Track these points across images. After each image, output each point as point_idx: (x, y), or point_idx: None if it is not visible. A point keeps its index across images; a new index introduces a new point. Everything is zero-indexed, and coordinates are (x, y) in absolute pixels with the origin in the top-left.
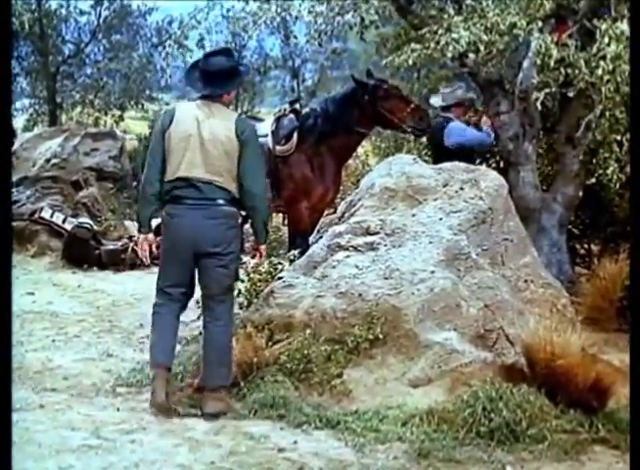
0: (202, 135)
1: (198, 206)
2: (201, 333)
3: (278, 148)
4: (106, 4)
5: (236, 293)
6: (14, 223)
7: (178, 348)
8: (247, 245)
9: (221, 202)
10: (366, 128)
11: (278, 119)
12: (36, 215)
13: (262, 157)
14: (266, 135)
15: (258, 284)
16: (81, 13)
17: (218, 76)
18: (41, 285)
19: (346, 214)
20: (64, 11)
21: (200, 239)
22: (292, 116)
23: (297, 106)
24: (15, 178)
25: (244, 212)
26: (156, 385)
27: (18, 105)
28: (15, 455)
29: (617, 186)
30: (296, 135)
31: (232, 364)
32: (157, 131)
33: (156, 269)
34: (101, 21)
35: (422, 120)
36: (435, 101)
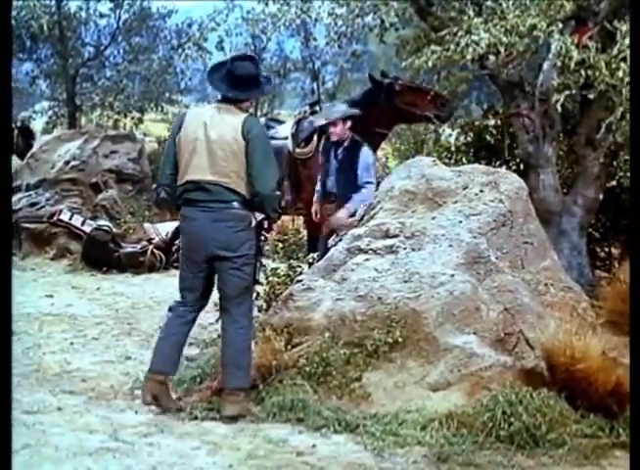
0: (209, 138)
1: (208, 208)
2: (219, 336)
3: (298, 150)
4: (125, 7)
5: (255, 296)
6: (33, 225)
7: (197, 350)
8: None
9: (232, 204)
10: (385, 128)
11: (298, 122)
12: (55, 218)
13: (272, 156)
14: (286, 138)
15: (277, 287)
16: (101, 15)
17: (244, 81)
18: (60, 287)
19: (366, 217)
20: (83, 14)
21: (209, 241)
22: (312, 118)
23: (318, 108)
24: (34, 180)
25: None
26: (144, 387)
27: (37, 107)
28: (31, 458)
29: None
30: (315, 138)
31: (250, 367)
32: (169, 137)
33: (174, 272)
34: (120, 23)
35: (444, 106)
36: (318, 119)
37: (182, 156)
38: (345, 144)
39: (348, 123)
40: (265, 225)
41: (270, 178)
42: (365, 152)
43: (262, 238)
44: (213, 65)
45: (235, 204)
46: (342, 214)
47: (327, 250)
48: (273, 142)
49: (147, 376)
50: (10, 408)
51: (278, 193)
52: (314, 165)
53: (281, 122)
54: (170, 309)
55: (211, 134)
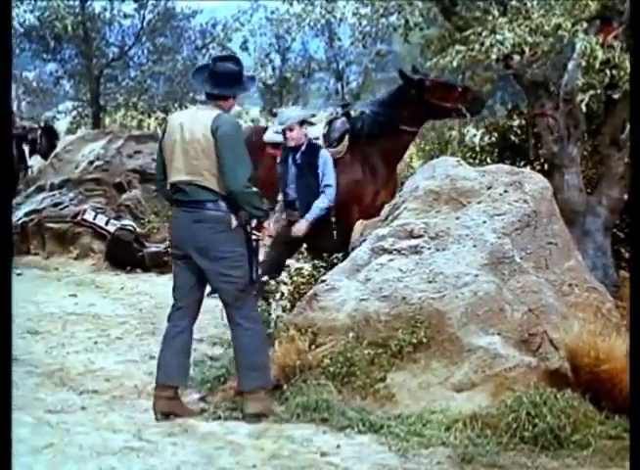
0: (184, 139)
1: (188, 209)
2: None
3: (330, 150)
4: (150, 7)
5: (279, 296)
6: (56, 225)
7: (220, 350)
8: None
9: (207, 204)
10: (415, 126)
11: (330, 123)
12: (79, 218)
13: (242, 152)
14: (318, 138)
15: (301, 287)
16: (125, 16)
17: (225, 79)
18: (84, 287)
19: (390, 217)
20: (107, 14)
21: (188, 241)
22: (343, 118)
23: (349, 109)
24: (57, 180)
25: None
26: (154, 404)
27: (61, 107)
28: (55, 457)
29: None
30: (347, 138)
31: (267, 366)
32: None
33: None
34: (145, 23)
35: (475, 100)
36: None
37: (166, 159)
38: (303, 149)
39: (305, 127)
40: (255, 224)
41: (241, 174)
42: (324, 154)
43: (254, 238)
44: (198, 66)
45: (210, 204)
46: (302, 225)
47: (278, 264)
48: None
49: (155, 393)
50: (10, 408)
51: (254, 189)
52: (346, 166)
53: (312, 124)
54: (168, 319)
55: (186, 135)
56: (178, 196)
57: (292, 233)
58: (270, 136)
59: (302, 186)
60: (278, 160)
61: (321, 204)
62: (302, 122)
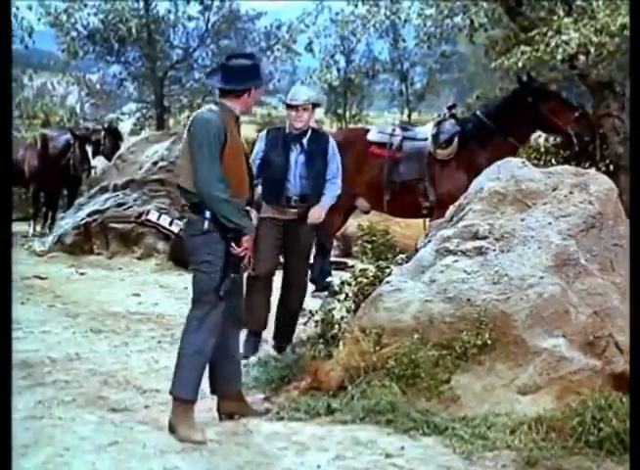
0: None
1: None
2: (308, 337)
3: (439, 151)
4: (214, 9)
5: (343, 297)
6: (120, 225)
7: (285, 350)
8: (355, 249)
9: (186, 207)
10: (522, 138)
11: (438, 124)
12: (143, 218)
13: (209, 155)
14: (426, 139)
15: (366, 288)
16: (190, 18)
17: (237, 73)
18: (147, 287)
19: (455, 218)
20: (172, 16)
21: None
22: (452, 120)
23: (455, 111)
24: (121, 181)
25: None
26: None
27: (125, 109)
28: (119, 455)
29: None
30: (456, 140)
31: (191, 380)
32: None
33: None
34: (209, 26)
35: (588, 129)
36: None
37: None
38: (309, 134)
39: (315, 112)
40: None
41: (206, 178)
42: (333, 143)
43: (232, 251)
44: (214, 67)
45: (187, 207)
46: (319, 212)
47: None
48: (413, 143)
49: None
50: (10, 408)
51: (224, 197)
52: (453, 168)
53: (414, 125)
54: None
55: (184, 135)
56: None
57: (309, 220)
58: (375, 136)
59: (313, 176)
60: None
61: (334, 192)
62: (315, 106)
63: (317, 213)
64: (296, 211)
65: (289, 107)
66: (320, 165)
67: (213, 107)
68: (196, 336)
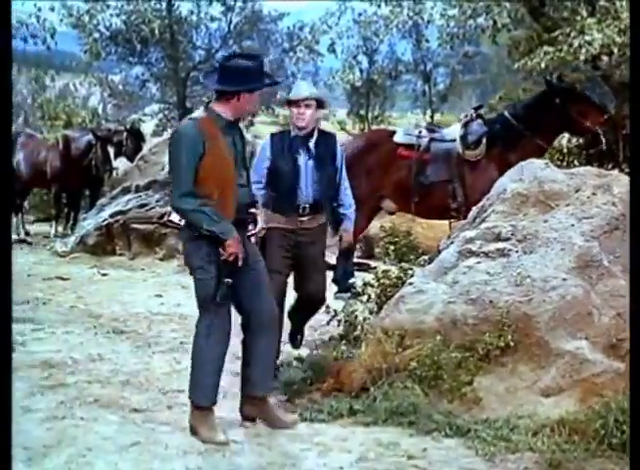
0: None
1: None
2: (330, 338)
3: (468, 152)
4: (237, 10)
5: (365, 298)
6: (142, 226)
7: (307, 352)
8: (377, 250)
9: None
10: (548, 140)
11: (466, 124)
12: (165, 219)
13: (179, 163)
14: (454, 140)
15: (388, 289)
16: (212, 19)
17: (232, 74)
18: (169, 287)
19: (477, 220)
20: (194, 17)
21: None
22: (480, 121)
23: (482, 111)
24: (143, 182)
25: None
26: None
27: (147, 110)
28: (141, 455)
29: None
30: (484, 141)
31: (205, 386)
32: None
33: None
34: (232, 26)
35: (611, 130)
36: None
37: None
38: (316, 136)
39: (321, 111)
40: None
41: (175, 193)
42: (340, 150)
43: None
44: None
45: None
46: (350, 233)
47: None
48: (441, 144)
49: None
50: (10, 408)
51: (192, 208)
52: (482, 169)
53: (439, 127)
54: None
55: None
56: None
57: (342, 247)
58: (402, 137)
59: (324, 183)
60: (283, 150)
61: (353, 205)
62: (319, 104)
63: (349, 238)
64: (307, 219)
65: (290, 104)
66: (331, 170)
67: (197, 114)
68: (205, 343)
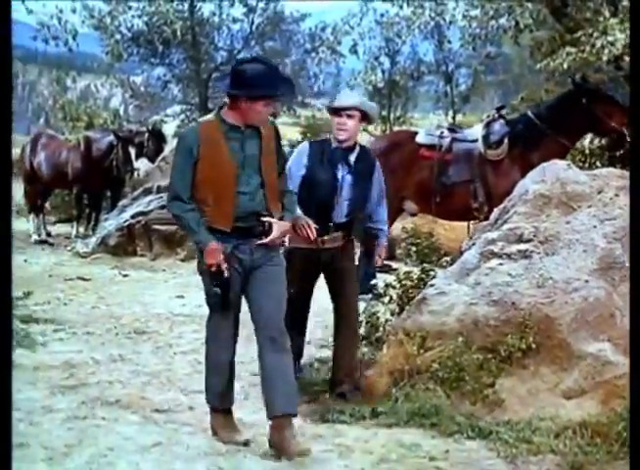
0: None
1: None
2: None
3: (490, 152)
4: (259, 11)
5: (387, 299)
6: (164, 227)
7: (328, 353)
8: (399, 251)
9: None
10: (572, 139)
11: (488, 124)
12: None
13: (177, 166)
14: (476, 140)
15: (410, 291)
16: (234, 20)
17: (239, 78)
18: (190, 288)
19: (499, 221)
20: (216, 18)
21: None
22: (502, 121)
23: (504, 112)
24: (165, 183)
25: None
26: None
27: (169, 111)
28: (163, 456)
29: None
30: (506, 141)
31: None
32: None
33: None
34: (254, 27)
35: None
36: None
37: None
38: (357, 151)
39: (362, 125)
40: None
41: (167, 197)
42: (378, 166)
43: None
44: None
45: None
46: (383, 253)
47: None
48: (463, 145)
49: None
50: (10, 408)
51: (177, 213)
52: (504, 169)
53: (461, 127)
54: None
55: None
56: None
57: (379, 261)
58: (424, 138)
59: (360, 199)
60: (319, 157)
61: (387, 224)
62: (363, 116)
63: (384, 254)
64: (334, 237)
65: (332, 112)
66: (366, 188)
67: (206, 117)
68: (211, 344)
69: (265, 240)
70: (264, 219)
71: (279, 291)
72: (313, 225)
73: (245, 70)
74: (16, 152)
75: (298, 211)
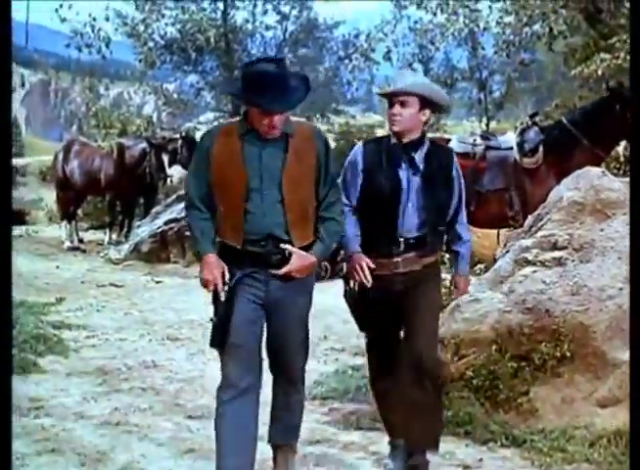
0: None
1: None
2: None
3: (525, 160)
4: (292, 18)
5: None
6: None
7: (362, 360)
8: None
9: None
10: (607, 149)
11: (522, 132)
12: None
13: (190, 168)
14: (510, 148)
15: (444, 298)
16: (267, 28)
17: (250, 81)
18: None
19: (533, 228)
20: (249, 26)
21: None
22: (536, 128)
23: (537, 119)
24: None
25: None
26: None
27: (202, 118)
28: (195, 462)
29: None
30: (541, 148)
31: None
32: None
33: (340, 281)
34: (287, 35)
35: None
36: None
37: None
38: (426, 147)
39: (427, 113)
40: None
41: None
42: (458, 166)
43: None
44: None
45: None
46: (466, 286)
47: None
48: (497, 152)
49: None
50: (10, 407)
51: (189, 220)
52: (540, 177)
53: (494, 134)
54: None
55: None
56: None
57: (458, 294)
58: (457, 146)
59: (434, 209)
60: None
61: (470, 247)
62: (425, 102)
63: (466, 288)
64: (407, 259)
65: (385, 99)
66: (443, 195)
67: (233, 119)
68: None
69: (279, 271)
70: (283, 246)
71: (301, 336)
72: (371, 264)
73: (247, 71)
74: (48, 159)
75: (357, 248)
